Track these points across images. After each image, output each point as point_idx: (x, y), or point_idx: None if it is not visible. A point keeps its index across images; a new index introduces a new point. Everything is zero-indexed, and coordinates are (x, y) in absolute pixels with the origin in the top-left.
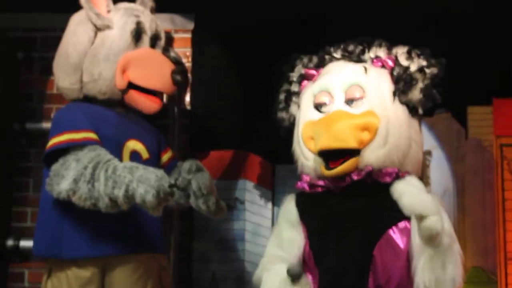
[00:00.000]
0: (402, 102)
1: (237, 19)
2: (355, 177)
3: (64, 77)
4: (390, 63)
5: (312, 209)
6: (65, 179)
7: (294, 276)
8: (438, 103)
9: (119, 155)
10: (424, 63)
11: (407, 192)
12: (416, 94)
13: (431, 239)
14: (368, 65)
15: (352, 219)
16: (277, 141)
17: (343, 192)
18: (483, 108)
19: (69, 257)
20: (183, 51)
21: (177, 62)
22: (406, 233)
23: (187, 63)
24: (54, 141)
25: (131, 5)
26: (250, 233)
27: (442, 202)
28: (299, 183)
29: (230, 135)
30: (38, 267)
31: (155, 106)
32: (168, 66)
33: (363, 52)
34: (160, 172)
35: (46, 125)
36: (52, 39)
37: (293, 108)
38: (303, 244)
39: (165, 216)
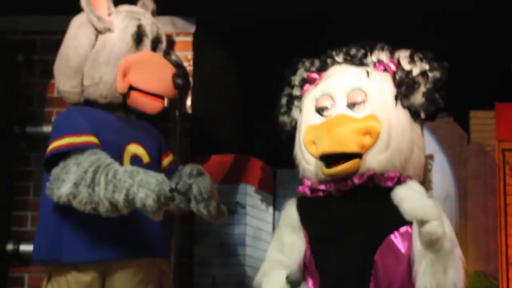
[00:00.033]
0: (404, 106)
1: (239, 22)
2: (356, 181)
3: (64, 80)
4: (393, 67)
5: (314, 213)
6: (66, 183)
7: (293, 283)
8: (440, 107)
9: (119, 159)
10: (426, 67)
11: (409, 197)
12: (418, 98)
13: (432, 244)
14: (370, 69)
15: (353, 223)
16: (279, 145)
17: (345, 196)
18: (485, 112)
19: (69, 261)
20: (184, 54)
21: (178, 65)
22: (408, 237)
23: (188, 66)
24: (54, 145)
25: (132, 8)
26: (251, 237)
27: (444, 207)
28: (300, 188)
29: (231, 139)
30: (38, 271)
31: (158, 106)
32: (169, 70)
33: (365, 55)
34: (161, 176)
35: (47, 128)
36: (53, 42)
37: (294, 112)
38: (304, 249)
39: (166, 221)
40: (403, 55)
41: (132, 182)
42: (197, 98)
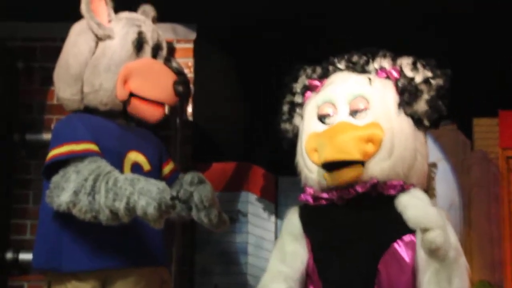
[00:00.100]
0: (407, 114)
1: (239, 29)
2: (359, 190)
3: (64, 87)
4: (395, 74)
5: (316, 221)
6: (65, 191)
7: None
8: (443, 114)
9: (120, 167)
10: (429, 74)
11: (412, 205)
12: (421, 105)
13: (432, 253)
14: (372, 76)
15: (356, 232)
16: (280, 152)
17: (347, 204)
18: (489, 120)
19: (69, 270)
20: (185, 61)
21: (179, 72)
22: (412, 246)
23: (189, 73)
24: (54, 152)
25: (133, 14)
26: (252, 246)
27: (448, 215)
28: (302, 196)
29: (233, 146)
30: (38, 280)
31: (158, 114)
32: (170, 77)
33: (367, 63)
34: (162, 184)
35: (46, 136)
36: (53, 49)
37: (296, 120)
38: (307, 258)
39: (167, 229)
40: (405, 62)
41: (133, 190)
42: (198, 105)
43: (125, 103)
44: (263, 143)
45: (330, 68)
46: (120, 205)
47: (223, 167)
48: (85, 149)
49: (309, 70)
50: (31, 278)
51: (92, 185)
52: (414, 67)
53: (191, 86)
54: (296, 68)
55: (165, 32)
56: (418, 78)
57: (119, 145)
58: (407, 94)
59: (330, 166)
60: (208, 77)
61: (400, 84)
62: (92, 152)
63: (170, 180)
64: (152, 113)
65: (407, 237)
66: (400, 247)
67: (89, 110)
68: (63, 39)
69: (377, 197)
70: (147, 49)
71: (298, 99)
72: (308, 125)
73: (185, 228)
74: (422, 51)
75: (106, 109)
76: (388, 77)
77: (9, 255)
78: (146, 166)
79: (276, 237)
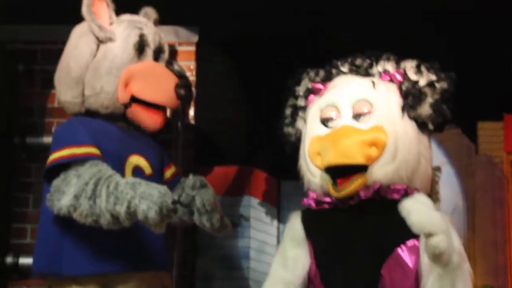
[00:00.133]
0: (411, 117)
1: (242, 32)
2: (363, 195)
3: (65, 90)
4: (399, 77)
5: (319, 226)
6: (66, 195)
7: None
8: (448, 118)
9: (121, 171)
10: (433, 77)
11: (416, 210)
12: (425, 109)
13: (436, 258)
14: (376, 79)
15: (359, 236)
16: (283, 156)
17: (350, 209)
18: (493, 123)
19: (70, 274)
20: (187, 64)
21: (181, 75)
22: (415, 251)
23: (191, 76)
24: (55, 156)
25: (134, 17)
26: (254, 250)
27: (452, 220)
28: (305, 200)
29: (235, 150)
30: (38, 284)
31: (157, 124)
32: (172, 80)
33: (371, 66)
34: (163, 188)
35: (47, 139)
36: (53, 52)
37: (299, 123)
38: (308, 263)
39: (168, 233)
40: (409, 65)
41: (134, 194)
42: (200, 109)
43: (126, 106)
44: (265, 147)
45: (334, 71)
46: (121, 209)
47: (225, 170)
48: (86, 153)
49: (312, 73)
50: (31, 283)
51: (93, 189)
52: (418, 70)
53: (193, 89)
54: (299, 71)
55: (167, 35)
56: (422, 82)
57: (120, 149)
58: (411, 97)
59: (333, 170)
60: (210, 80)
61: (404, 88)
62: (93, 156)
63: (172, 184)
64: (151, 123)
65: (410, 242)
66: (403, 252)
67: (90, 113)
68: (64, 42)
69: (380, 202)
70: (149, 52)
71: (301, 102)
72: (311, 129)
73: (187, 232)
74: (423, 52)
75: (107, 112)
76: (391, 80)
77: (9, 259)
78: (148, 170)
79: (278, 242)
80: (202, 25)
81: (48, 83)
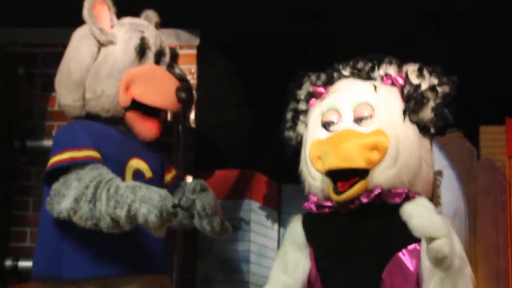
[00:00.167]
0: (412, 121)
1: (243, 35)
2: (364, 200)
3: (66, 94)
4: (400, 81)
5: (320, 230)
6: (66, 198)
7: None
8: (449, 122)
9: (121, 174)
10: (435, 81)
11: (417, 214)
12: (427, 113)
13: (438, 262)
14: (377, 83)
15: (360, 241)
16: (284, 160)
17: (351, 213)
18: (495, 127)
19: (69, 277)
20: (188, 67)
21: (182, 79)
22: (416, 255)
23: (192, 79)
24: (55, 159)
25: (136, 20)
26: (255, 254)
27: (453, 224)
28: (306, 204)
29: (236, 153)
30: None
31: (152, 133)
32: (173, 83)
33: (372, 69)
34: (164, 192)
35: (47, 142)
36: (53, 55)
37: (300, 127)
38: (309, 267)
39: (169, 237)
40: (411, 69)
41: (134, 197)
42: (201, 112)
43: (126, 109)
44: (266, 150)
45: (335, 74)
46: (121, 213)
47: (225, 174)
48: (87, 156)
49: (313, 77)
50: (31, 286)
51: (93, 193)
52: (420, 74)
53: (194, 92)
54: (300, 74)
55: (168, 38)
56: (424, 85)
57: (121, 152)
58: (412, 101)
59: (334, 174)
60: (211, 83)
61: (405, 91)
62: (94, 159)
63: (172, 187)
64: (146, 133)
65: (411, 246)
66: (404, 256)
67: (90, 116)
68: (64, 45)
69: (381, 206)
70: (150, 55)
71: (302, 106)
72: (312, 133)
73: (187, 235)
74: (424, 55)
75: (108, 115)
76: (393, 84)
77: (8, 263)
78: (148, 173)
79: (278, 246)
80: (203, 28)
81: (49, 86)
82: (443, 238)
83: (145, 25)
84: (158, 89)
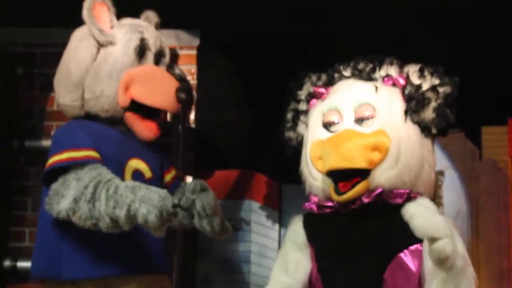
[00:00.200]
0: (414, 122)
1: (243, 35)
2: (365, 200)
3: (65, 94)
4: (402, 81)
5: (321, 230)
6: (65, 198)
7: None
8: (451, 123)
9: (121, 174)
10: (436, 81)
11: (419, 214)
12: (428, 113)
13: (441, 262)
14: (378, 83)
15: (362, 241)
16: (284, 160)
17: (352, 213)
18: (498, 128)
19: (68, 278)
20: (188, 68)
21: (181, 79)
22: (418, 255)
23: (192, 80)
24: (54, 159)
25: (135, 21)
26: (255, 254)
27: (455, 224)
28: (307, 204)
29: (236, 153)
30: None
31: (151, 134)
32: (173, 84)
33: (373, 70)
34: (163, 192)
35: (46, 143)
36: (53, 55)
37: (301, 127)
38: (310, 267)
39: (168, 237)
40: (412, 70)
41: (134, 197)
42: (201, 112)
43: (125, 110)
44: (266, 151)
45: (336, 75)
46: (121, 213)
47: (226, 174)
48: (86, 156)
49: (314, 77)
50: (30, 287)
51: (93, 193)
52: (421, 74)
53: (194, 93)
54: (300, 75)
55: (168, 39)
56: (425, 86)
57: (120, 152)
58: (414, 101)
59: (335, 174)
60: (211, 84)
61: (407, 92)
62: (93, 159)
63: (172, 187)
64: (145, 132)
65: (413, 246)
66: (406, 256)
67: (89, 116)
68: (63, 45)
69: (383, 206)
70: (150, 56)
71: (302, 106)
72: (313, 133)
73: (187, 236)
74: (425, 55)
75: (107, 116)
76: (394, 85)
77: (7, 263)
78: (148, 174)
79: (279, 246)
80: (203, 29)
81: (48, 86)
82: (446, 239)
83: (145, 25)
84: (158, 89)
